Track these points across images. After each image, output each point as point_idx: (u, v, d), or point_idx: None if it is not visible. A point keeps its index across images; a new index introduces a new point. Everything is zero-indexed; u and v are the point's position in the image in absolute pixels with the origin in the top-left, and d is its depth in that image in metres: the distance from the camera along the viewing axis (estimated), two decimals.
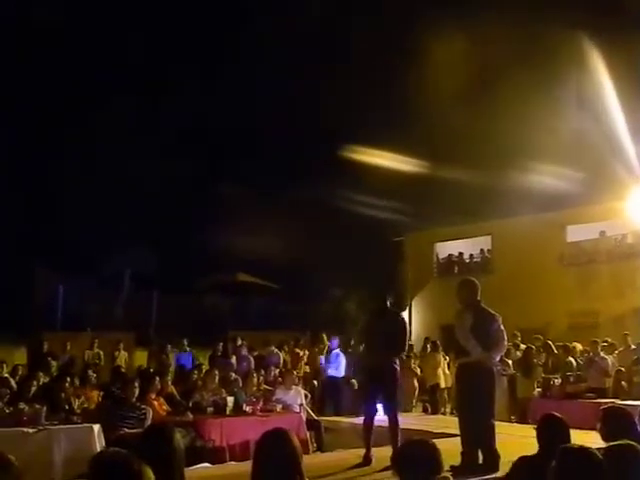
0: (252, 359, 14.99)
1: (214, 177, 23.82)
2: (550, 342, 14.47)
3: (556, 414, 4.82)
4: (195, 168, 22.69)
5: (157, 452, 3.08)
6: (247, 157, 23.58)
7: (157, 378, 9.86)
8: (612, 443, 3.65)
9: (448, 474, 3.68)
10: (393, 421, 7.85)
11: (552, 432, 4.51)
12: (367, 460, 7.58)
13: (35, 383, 9.95)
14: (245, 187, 23.38)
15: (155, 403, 9.31)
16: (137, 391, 8.80)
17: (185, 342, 15.56)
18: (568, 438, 4.37)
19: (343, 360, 14.20)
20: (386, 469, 6.88)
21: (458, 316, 7.32)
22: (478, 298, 7.35)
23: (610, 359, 12.94)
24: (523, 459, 4.60)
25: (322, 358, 15.43)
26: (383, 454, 7.59)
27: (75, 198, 22.68)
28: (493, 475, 6.50)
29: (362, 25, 19.79)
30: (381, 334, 7.80)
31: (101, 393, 10.53)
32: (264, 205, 23.92)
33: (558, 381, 12.46)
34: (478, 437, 7.04)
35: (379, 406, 8.08)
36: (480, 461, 7.00)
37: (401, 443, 4.04)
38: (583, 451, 3.27)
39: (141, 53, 21.55)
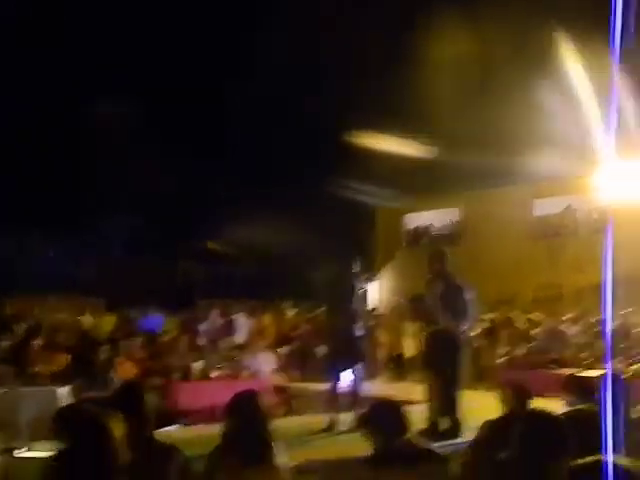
0: (221, 325, 15.02)
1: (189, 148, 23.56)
2: (512, 315, 14.72)
3: (518, 381, 4.95)
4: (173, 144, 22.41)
5: (128, 407, 3.10)
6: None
7: (124, 342, 9.87)
8: (573, 408, 3.76)
9: (414, 435, 3.76)
10: (358, 387, 7.97)
11: (515, 398, 4.63)
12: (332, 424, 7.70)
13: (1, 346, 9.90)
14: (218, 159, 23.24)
15: (122, 367, 9.34)
16: (104, 355, 8.80)
17: (152, 308, 15.50)
18: (530, 404, 4.49)
19: None
20: (352, 432, 7.02)
21: (428, 285, 7.42)
22: (447, 268, 7.44)
23: (571, 330, 13.24)
24: (487, 423, 4.71)
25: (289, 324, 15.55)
26: (349, 419, 7.73)
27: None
28: (457, 440, 6.64)
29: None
30: (351, 302, 7.90)
31: (68, 357, 10.50)
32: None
33: (522, 351, 12.69)
34: (443, 404, 7.17)
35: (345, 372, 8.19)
36: (445, 427, 7.14)
37: (368, 404, 4.10)
38: (547, 415, 3.36)
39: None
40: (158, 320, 15.25)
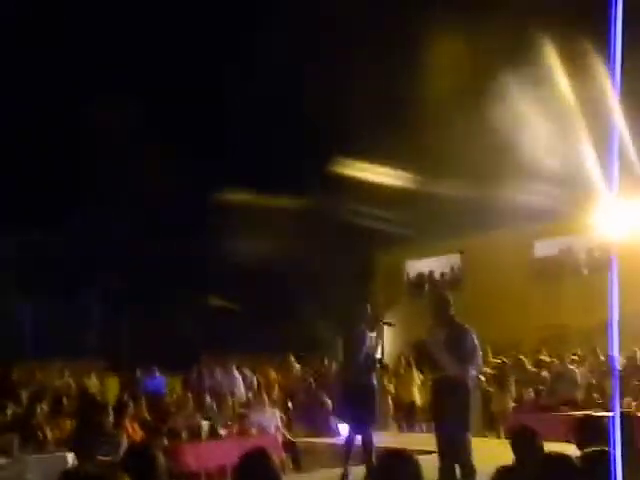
0: (225, 382, 14.89)
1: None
2: (522, 357, 14.63)
3: (527, 425, 4.90)
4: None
5: (139, 470, 3.05)
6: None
7: (131, 404, 9.77)
8: (587, 450, 3.72)
9: None
10: (369, 440, 7.87)
11: (525, 443, 4.57)
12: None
13: (6, 413, 9.80)
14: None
15: (129, 429, 9.23)
16: (111, 418, 8.71)
17: (155, 369, 15.39)
18: (541, 448, 4.43)
19: None
20: None
21: (431, 330, 7.37)
22: (451, 313, 7.40)
23: (579, 371, 13.14)
24: (500, 470, 4.64)
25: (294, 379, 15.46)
26: (360, 472, 7.62)
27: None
28: None
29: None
30: (363, 352, 7.86)
31: (74, 421, 10.38)
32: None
33: (532, 395, 12.58)
34: (455, 452, 7.07)
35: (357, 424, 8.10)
36: (457, 476, 7.03)
37: (379, 455, 4.05)
38: (561, 458, 3.33)
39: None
40: (161, 380, 15.17)
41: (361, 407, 7.84)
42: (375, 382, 8.06)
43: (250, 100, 20.30)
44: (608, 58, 3.56)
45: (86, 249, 22.75)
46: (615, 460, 3.33)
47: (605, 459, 3.54)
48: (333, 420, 12.84)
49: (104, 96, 20.10)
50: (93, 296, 23.06)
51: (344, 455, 7.86)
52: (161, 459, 3.67)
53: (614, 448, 3.63)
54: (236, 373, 15.69)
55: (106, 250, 22.82)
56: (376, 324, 8.36)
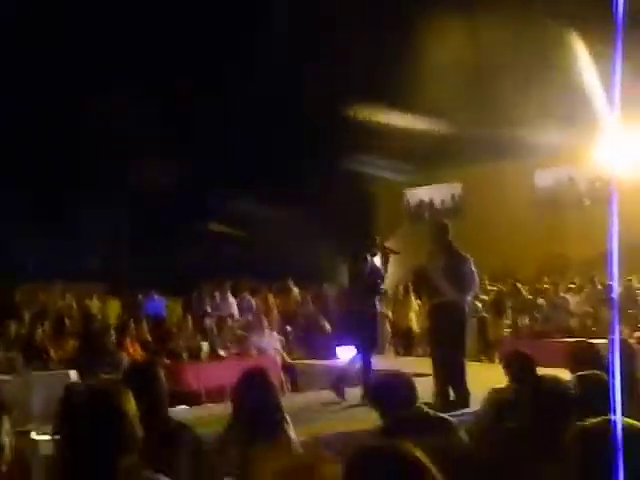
0: (225, 306, 15.08)
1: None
2: (519, 285, 14.76)
3: (521, 350, 4.99)
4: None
5: (141, 386, 3.11)
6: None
7: (132, 325, 9.92)
8: (580, 373, 3.79)
9: (423, 405, 3.79)
10: (369, 363, 8.02)
11: (519, 366, 4.66)
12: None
13: (9, 332, 9.95)
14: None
15: (130, 349, 9.39)
16: (113, 338, 8.85)
17: (154, 292, 15.54)
18: (535, 372, 4.52)
19: None
20: (361, 405, 7.09)
21: (430, 257, 7.42)
22: (450, 240, 7.45)
23: (574, 299, 13.29)
24: (493, 392, 4.75)
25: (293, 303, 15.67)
26: (357, 393, 7.80)
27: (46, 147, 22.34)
28: (464, 410, 6.68)
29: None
30: (367, 277, 7.94)
31: (76, 342, 10.55)
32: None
33: (527, 322, 12.74)
34: (450, 375, 7.21)
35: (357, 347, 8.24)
36: (451, 398, 7.19)
37: (376, 376, 4.14)
38: (555, 380, 3.39)
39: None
40: (160, 303, 15.36)
41: (364, 331, 7.95)
42: (378, 307, 8.19)
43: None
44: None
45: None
46: (614, 383, 3.40)
47: (598, 382, 3.62)
48: (332, 343, 13.06)
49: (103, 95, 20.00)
50: (94, 220, 23.09)
51: (341, 376, 8.01)
52: (161, 375, 3.75)
53: (612, 371, 3.71)
54: (236, 297, 15.92)
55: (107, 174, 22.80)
56: (381, 251, 8.40)
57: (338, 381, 8.04)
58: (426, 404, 6.43)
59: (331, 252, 24.30)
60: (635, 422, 2.14)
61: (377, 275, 8.07)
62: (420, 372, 8.83)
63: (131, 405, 2.62)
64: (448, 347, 7.25)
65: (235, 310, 14.75)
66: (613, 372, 3.80)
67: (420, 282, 9.43)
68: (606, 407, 3.12)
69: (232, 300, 15.41)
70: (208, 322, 11.90)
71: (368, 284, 7.96)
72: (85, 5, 20.61)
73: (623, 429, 2.04)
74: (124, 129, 21.12)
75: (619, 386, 3.21)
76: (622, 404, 3.05)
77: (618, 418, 2.15)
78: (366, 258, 8.11)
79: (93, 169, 22.67)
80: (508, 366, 4.85)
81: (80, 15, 20.77)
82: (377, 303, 8.17)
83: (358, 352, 8.13)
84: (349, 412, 7.12)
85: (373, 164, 22.18)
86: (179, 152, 21.62)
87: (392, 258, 8.47)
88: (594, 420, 2.18)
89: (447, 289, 7.19)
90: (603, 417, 2.16)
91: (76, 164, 22.36)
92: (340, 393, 7.88)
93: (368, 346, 8.10)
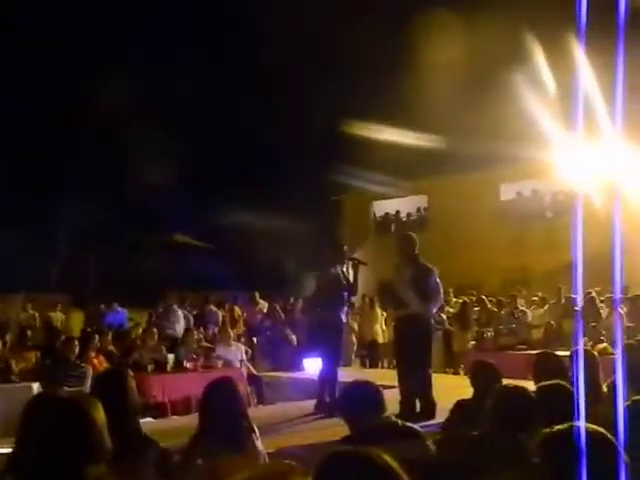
0: (191, 317, 15.00)
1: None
2: (484, 297, 14.91)
3: (487, 360, 5.04)
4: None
5: (110, 395, 3.09)
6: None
7: (97, 336, 9.80)
8: (543, 383, 3.85)
9: (391, 415, 3.80)
10: (335, 374, 7.99)
11: (485, 377, 4.71)
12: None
13: None
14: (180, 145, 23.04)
15: (95, 361, 9.27)
16: (77, 350, 8.73)
17: (116, 304, 15.38)
18: (500, 382, 4.57)
19: None
20: (330, 416, 7.08)
21: (397, 269, 7.46)
22: (416, 252, 7.50)
23: (532, 312, 13.48)
24: (459, 403, 4.79)
25: (259, 315, 15.60)
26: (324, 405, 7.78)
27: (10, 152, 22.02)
28: (430, 422, 6.71)
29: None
30: (336, 289, 7.90)
31: (38, 354, 10.41)
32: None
33: (491, 334, 12.85)
34: (416, 386, 7.24)
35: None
36: (418, 409, 7.22)
37: (344, 386, 4.15)
38: (517, 389, 3.44)
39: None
40: (123, 314, 15.24)
41: (329, 342, 7.92)
42: (344, 319, 8.15)
43: None
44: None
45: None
46: (578, 392, 3.46)
47: (560, 391, 3.67)
48: (298, 355, 13.03)
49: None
50: (59, 231, 22.82)
51: (320, 386, 7.91)
52: (132, 383, 3.72)
53: (576, 381, 3.77)
54: (202, 309, 15.84)
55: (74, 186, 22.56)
56: (349, 261, 8.38)
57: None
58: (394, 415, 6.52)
59: (298, 263, 24.32)
60: (598, 428, 2.18)
61: (344, 286, 8.05)
62: (386, 384, 8.89)
63: (100, 415, 2.59)
64: (414, 359, 7.28)
65: (211, 322, 14.69)
66: (577, 382, 3.87)
67: (385, 294, 9.43)
68: (569, 416, 3.17)
69: (212, 312, 15.38)
70: (174, 334, 11.82)
71: (335, 295, 7.94)
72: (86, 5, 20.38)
73: (587, 435, 2.08)
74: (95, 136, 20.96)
75: (583, 395, 3.28)
76: (586, 412, 3.11)
77: (582, 425, 2.19)
78: (333, 268, 8.08)
79: (59, 175, 22.43)
80: (473, 376, 4.90)
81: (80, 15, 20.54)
82: (343, 314, 8.13)
83: (322, 363, 8.09)
84: (315, 424, 7.11)
85: (341, 175, 22.26)
86: (146, 162, 21.51)
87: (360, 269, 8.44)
88: (559, 427, 2.21)
89: (413, 301, 7.23)
90: (568, 424, 2.20)
91: (42, 168, 22.11)
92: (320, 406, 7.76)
93: (333, 357, 8.07)
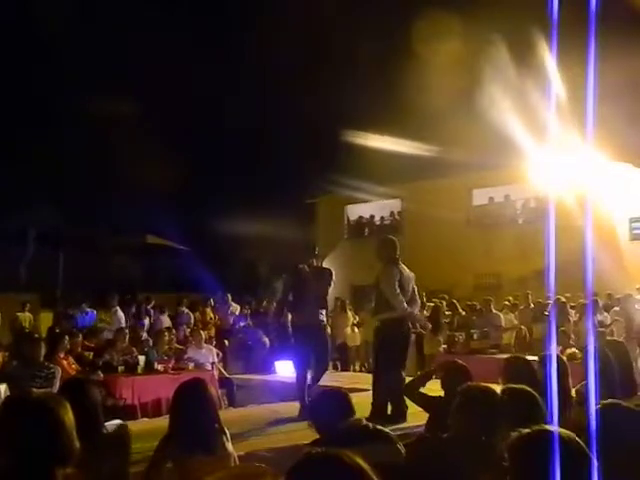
0: (163, 319, 14.92)
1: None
2: (455, 301, 15.01)
3: (457, 361, 5.07)
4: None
5: (74, 404, 3.08)
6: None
7: (66, 337, 9.69)
8: (509, 385, 3.87)
9: (361, 417, 3.80)
10: (317, 379, 7.91)
11: (454, 377, 4.74)
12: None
13: None
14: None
15: (64, 362, 9.16)
16: (44, 350, 8.61)
17: (84, 305, 15.18)
18: (470, 381, 4.60)
19: None
20: (299, 420, 7.07)
21: (385, 271, 7.33)
22: (397, 255, 7.50)
23: (504, 316, 13.60)
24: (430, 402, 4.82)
25: (231, 318, 15.56)
26: (294, 408, 7.77)
27: None
28: (401, 425, 6.73)
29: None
30: (313, 292, 7.84)
31: (6, 354, 10.26)
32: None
33: (462, 338, 12.93)
34: (390, 390, 7.21)
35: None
36: (389, 412, 7.22)
37: (313, 393, 4.16)
38: (483, 388, 3.46)
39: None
40: (92, 316, 15.04)
41: (313, 346, 7.85)
42: (324, 321, 8.07)
43: None
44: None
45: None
46: (549, 397, 3.49)
47: (526, 395, 3.70)
48: (270, 358, 13.02)
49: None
50: (28, 231, 22.56)
51: (300, 391, 7.81)
52: (95, 391, 3.74)
53: (549, 386, 3.80)
54: (174, 311, 15.76)
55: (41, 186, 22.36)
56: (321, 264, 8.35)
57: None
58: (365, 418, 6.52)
59: (272, 266, 24.28)
60: (569, 433, 2.20)
61: (320, 288, 7.97)
62: (359, 387, 8.90)
63: (69, 416, 2.59)
64: (393, 362, 7.27)
65: (181, 324, 14.61)
66: (548, 386, 3.90)
67: (360, 298, 9.44)
68: (534, 420, 3.20)
69: (184, 315, 15.29)
70: (144, 335, 11.74)
71: (313, 297, 7.88)
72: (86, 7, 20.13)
73: (559, 439, 2.10)
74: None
75: (555, 399, 3.30)
76: (555, 416, 3.13)
77: (554, 428, 2.21)
78: (309, 270, 8.03)
79: (30, 174, 22.20)
80: (443, 376, 4.93)
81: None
82: (323, 317, 8.05)
83: (301, 367, 7.97)
84: (286, 427, 7.09)
85: (315, 178, 22.30)
86: (120, 163, 21.40)
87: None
88: (530, 429, 2.22)
89: (400, 305, 7.19)
90: (539, 426, 2.21)
91: (11, 166, 21.87)
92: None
93: (320, 361, 7.98)
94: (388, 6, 18.64)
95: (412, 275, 7.50)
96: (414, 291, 7.49)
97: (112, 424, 7.49)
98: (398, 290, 7.20)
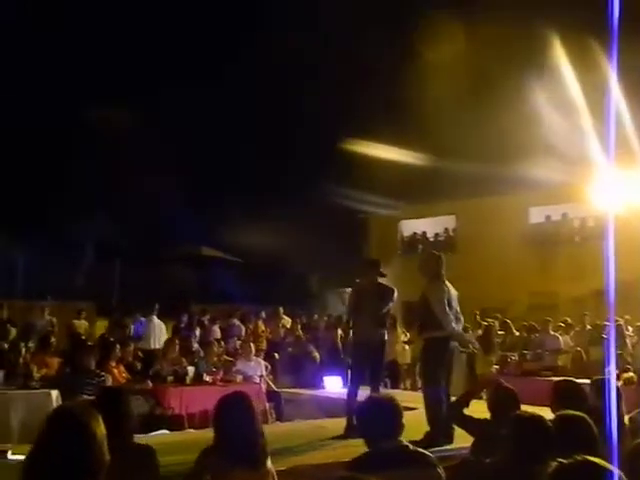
0: (214, 330, 15.01)
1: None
2: (509, 321, 14.72)
3: (504, 383, 4.94)
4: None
5: (108, 413, 3.10)
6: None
7: (118, 346, 9.83)
8: (561, 412, 3.75)
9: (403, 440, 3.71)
10: (356, 393, 7.80)
11: (502, 400, 4.60)
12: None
13: None
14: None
15: (115, 371, 9.29)
16: (97, 358, 8.75)
17: (139, 314, 15.37)
18: (518, 406, 4.47)
19: None
20: (344, 437, 7.00)
21: (434, 288, 7.16)
22: (443, 272, 7.35)
23: (562, 338, 13.25)
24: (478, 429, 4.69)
25: (282, 331, 15.57)
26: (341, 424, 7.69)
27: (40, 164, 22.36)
28: (450, 447, 6.59)
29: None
30: (373, 308, 7.72)
31: (61, 360, 10.45)
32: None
33: (515, 359, 12.68)
34: (432, 410, 7.05)
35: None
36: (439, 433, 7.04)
37: (362, 402, 4.08)
38: (535, 418, 3.35)
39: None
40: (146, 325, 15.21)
41: (371, 362, 7.77)
42: (385, 337, 7.99)
43: None
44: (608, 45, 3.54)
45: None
46: (611, 423, 3.36)
47: (580, 422, 3.57)
48: (319, 373, 12.96)
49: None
50: (86, 239, 23.04)
51: (348, 408, 7.72)
52: (132, 402, 3.79)
53: (608, 414, 3.66)
54: (225, 322, 15.85)
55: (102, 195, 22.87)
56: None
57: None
58: (414, 442, 6.40)
59: (322, 280, 24.28)
60: (606, 464, 2.10)
61: (380, 305, 7.87)
62: (409, 406, 8.77)
63: (100, 429, 2.60)
64: (442, 382, 7.12)
65: (233, 336, 14.71)
66: (607, 413, 3.75)
67: (410, 315, 9.29)
68: (588, 448, 3.07)
69: (235, 327, 15.39)
70: (195, 346, 11.82)
71: (371, 314, 7.74)
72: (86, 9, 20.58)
73: (599, 470, 2.00)
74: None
75: (615, 428, 3.17)
76: (610, 445, 3.01)
77: (596, 460, 2.11)
78: (370, 287, 7.93)
79: (87, 186, 22.70)
80: (491, 400, 4.80)
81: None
82: (384, 333, 7.96)
83: (354, 384, 7.90)
84: (331, 443, 7.03)
85: (369, 194, 22.23)
86: (174, 171, 21.69)
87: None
88: (569, 460, 2.13)
89: (449, 324, 7.03)
90: (579, 457, 2.12)
91: (61, 177, 22.36)
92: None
93: (376, 377, 7.89)
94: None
95: (456, 293, 7.34)
96: (458, 309, 7.33)
97: (158, 434, 7.58)
98: (447, 309, 7.05)
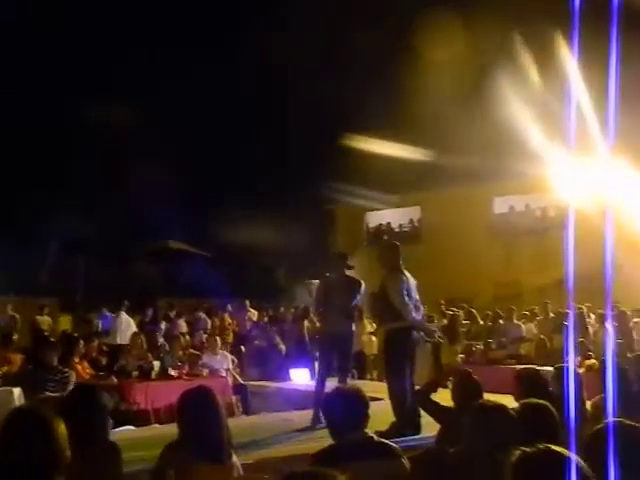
0: (180, 324, 14.92)
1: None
2: (474, 310, 14.87)
3: (469, 372, 4.98)
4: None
5: (82, 410, 3.06)
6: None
7: (81, 342, 9.70)
8: (524, 401, 3.78)
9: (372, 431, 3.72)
10: (323, 385, 7.80)
11: (465, 390, 4.64)
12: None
13: None
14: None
15: (79, 367, 9.18)
16: (59, 354, 8.61)
17: (104, 309, 15.22)
18: (480, 395, 4.51)
19: None
20: (310, 429, 7.01)
21: (392, 279, 7.15)
22: (401, 262, 7.36)
23: (525, 326, 13.43)
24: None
25: (248, 324, 15.54)
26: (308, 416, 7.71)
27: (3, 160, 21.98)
28: (415, 437, 6.63)
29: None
30: (342, 301, 7.73)
31: (23, 357, 10.29)
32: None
33: (480, 348, 12.80)
34: (397, 400, 7.08)
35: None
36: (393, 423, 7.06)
37: (327, 394, 4.07)
38: (497, 406, 3.37)
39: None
40: (111, 320, 15.08)
41: (338, 354, 7.78)
42: (353, 329, 8.01)
43: None
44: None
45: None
46: (569, 410, 3.40)
47: (543, 410, 3.61)
48: (285, 366, 12.96)
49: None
50: (50, 236, 22.72)
51: (316, 399, 7.72)
52: (103, 399, 3.73)
53: (566, 400, 3.71)
54: (191, 316, 15.77)
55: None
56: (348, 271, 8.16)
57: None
58: (379, 432, 6.42)
59: (289, 272, 24.25)
60: (568, 452, 2.12)
61: (347, 298, 7.88)
62: (375, 396, 8.80)
63: (60, 426, 2.59)
64: (406, 373, 7.15)
65: (199, 330, 14.62)
66: (565, 400, 3.80)
67: (374, 306, 9.29)
68: (550, 436, 3.11)
69: (201, 320, 15.30)
70: (161, 340, 11.73)
71: (339, 307, 7.75)
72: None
73: (561, 459, 2.02)
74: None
75: (574, 414, 3.21)
76: (571, 432, 3.04)
77: (558, 449, 2.13)
78: (337, 279, 7.93)
79: (51, 180, 22.39)
80: (454, 388, 4.84)
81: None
82: (352, 326, 7.97)
83: (321, 375, 7.91)
84: (297, 435, 7.03)
85: (334, 185, 22.23)
86: (141, 169, 21.48)
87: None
88: (531, 449, 2.15)
89: (409, 314, 7.05)
90: (542, 445, 2.14)
91: (34, 173, 22.07)
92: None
93: (343, 369, 7.89)
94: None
95: (415, 282, 7.37)
96: (418, 298, 7.35)
97: (123, 430, 7.50)
98: (407, 299, 7.08)
